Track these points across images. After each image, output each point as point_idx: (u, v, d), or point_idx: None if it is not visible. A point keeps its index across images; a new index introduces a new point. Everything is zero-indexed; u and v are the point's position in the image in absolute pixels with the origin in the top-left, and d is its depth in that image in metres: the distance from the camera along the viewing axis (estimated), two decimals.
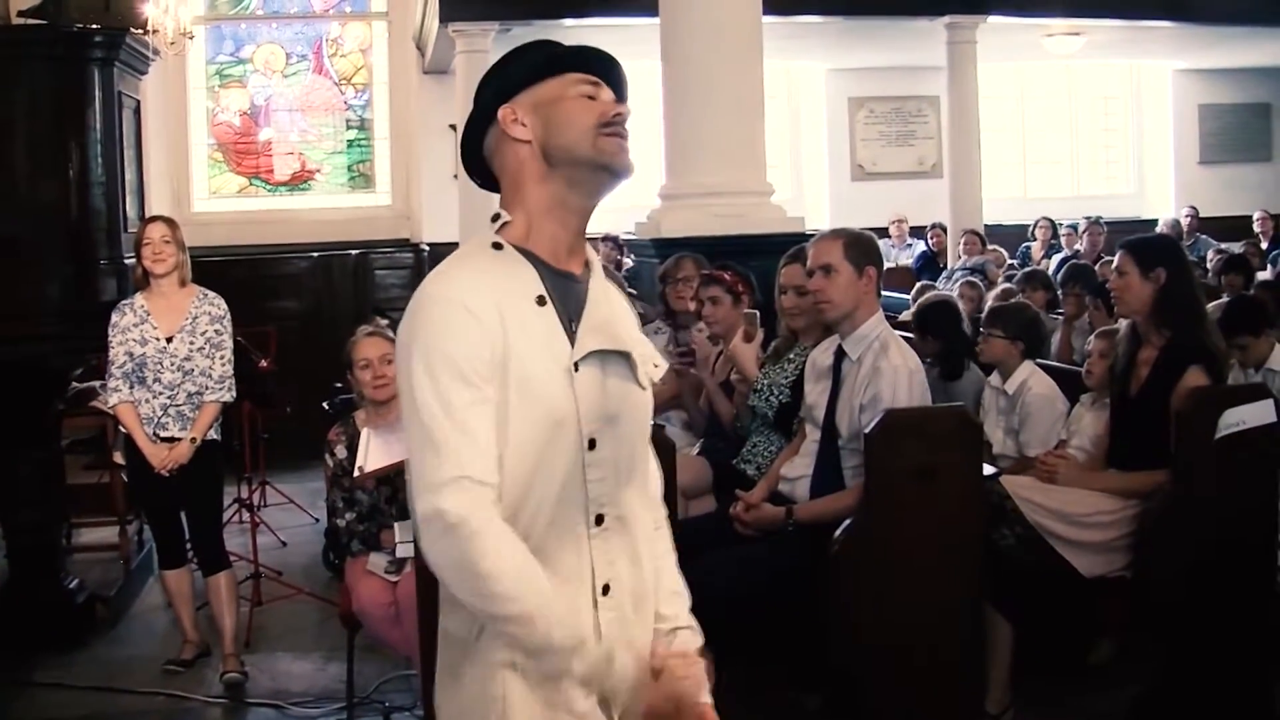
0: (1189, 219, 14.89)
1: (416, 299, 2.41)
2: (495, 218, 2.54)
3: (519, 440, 2.36)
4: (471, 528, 2.27)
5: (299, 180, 14.74)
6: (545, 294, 2.44)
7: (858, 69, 15.76)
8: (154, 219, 6.59)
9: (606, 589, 2.47)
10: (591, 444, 2.43)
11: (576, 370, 2.42)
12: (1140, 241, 5.34)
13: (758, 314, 5.93)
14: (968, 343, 6.73)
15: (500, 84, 2.54)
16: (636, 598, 2.53)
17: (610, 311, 2.55)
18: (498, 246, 2.48)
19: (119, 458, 7.60)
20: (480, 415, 2.32)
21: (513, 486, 2.37)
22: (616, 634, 2.46)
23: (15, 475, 7.03)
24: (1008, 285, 9.04)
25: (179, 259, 6.39)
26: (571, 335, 2.44)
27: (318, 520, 9.27)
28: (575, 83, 2.52)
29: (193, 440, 6.29)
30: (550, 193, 2.50)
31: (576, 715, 2.41)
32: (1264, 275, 10.58)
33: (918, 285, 10.19)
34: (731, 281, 6.09)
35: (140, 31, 7.62)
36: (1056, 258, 13.25)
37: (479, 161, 2.63)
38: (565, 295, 2.47)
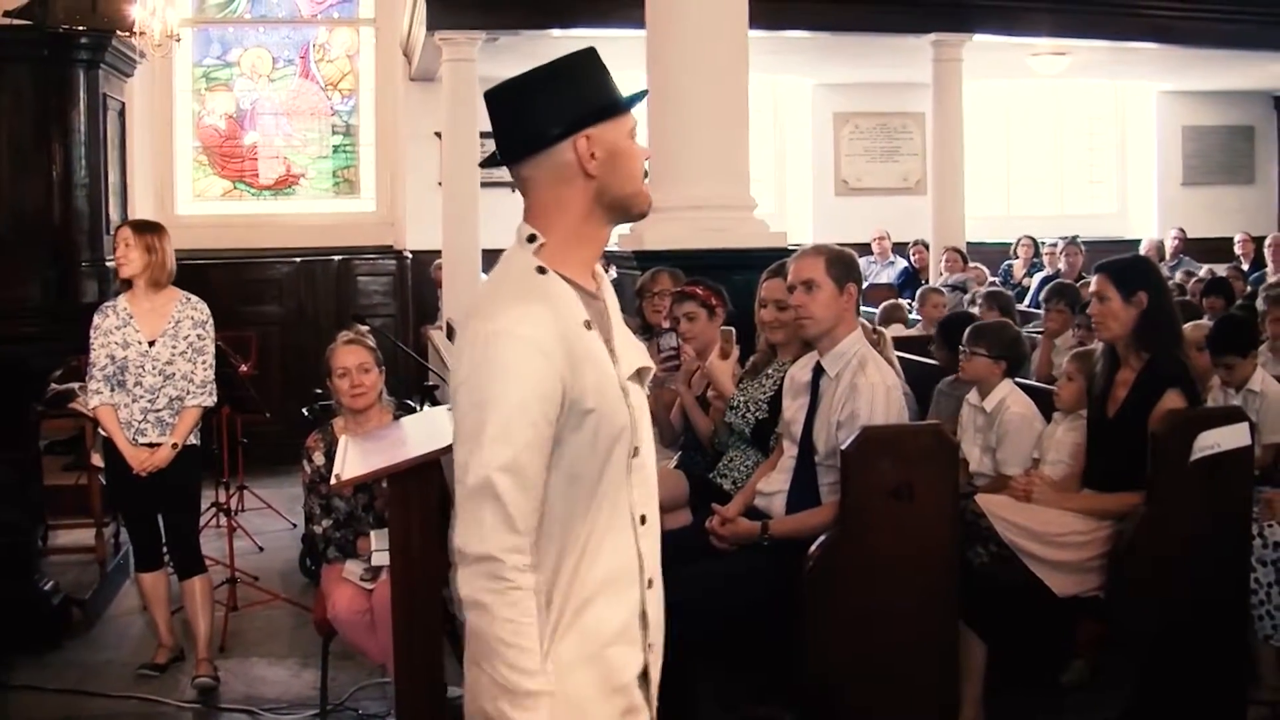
0: (1176, 240, 14.92)
1: (483, 334, 2.48)
2: (531, 238, 2.61)
3: (590, 454, 2.53)
4: (516, 593, 2.44)
5: (283, 185, 14.71)
6: (590, 318, 2.57)
7: (844, 84, 15.78)
8: (122, 224, 6.59)
9: (651, 582, 2.67)
10: (635, 451, 2.59)
11: (625, 387, 2.60)
12: (1119, 265, 5.33)
13: (734, 331, 5.93)
14: None
15: (583, 113, 2.59)
16: (659, 585, 2.73)
17: (624, 325, 2.73)
18: (542, 271, 2.57)
19: (97, 460, 7.58)
20: (541, 460, 2.48)
21: (585, 495, 2.54)
22: (655, 620, 2.68)
23: None
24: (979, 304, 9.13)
25: (146, 262, 6.35)
26: (611, 353, 2.60)
27: (295, 525, 9.27)
28: (630, 128, 2.65)
29: (174, 446, 6.28)
30: (591, 224, 2.64)
31: (635, 708, 2.66)
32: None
33: (885, 304, 10.25)
34: (705, 296, 6.09)
35: (127, 34, 7.61)
36: (1038, 276, 13.29)
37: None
38: (596, 315, 2.61)
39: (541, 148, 2.60)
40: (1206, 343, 6.41)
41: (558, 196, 2.61)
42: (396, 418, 5.82)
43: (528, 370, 2.44)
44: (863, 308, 5.23)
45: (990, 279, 12.68)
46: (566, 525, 2.53)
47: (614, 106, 2.62)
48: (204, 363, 6.41)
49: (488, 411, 2.44)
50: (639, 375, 2.69)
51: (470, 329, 2.52)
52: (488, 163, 2.75)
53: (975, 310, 9.22)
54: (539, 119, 2.59)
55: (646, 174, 2.68)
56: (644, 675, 2.67)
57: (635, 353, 2.71)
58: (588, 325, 2.55)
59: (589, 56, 2.66)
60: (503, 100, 2.65)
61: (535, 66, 2.64)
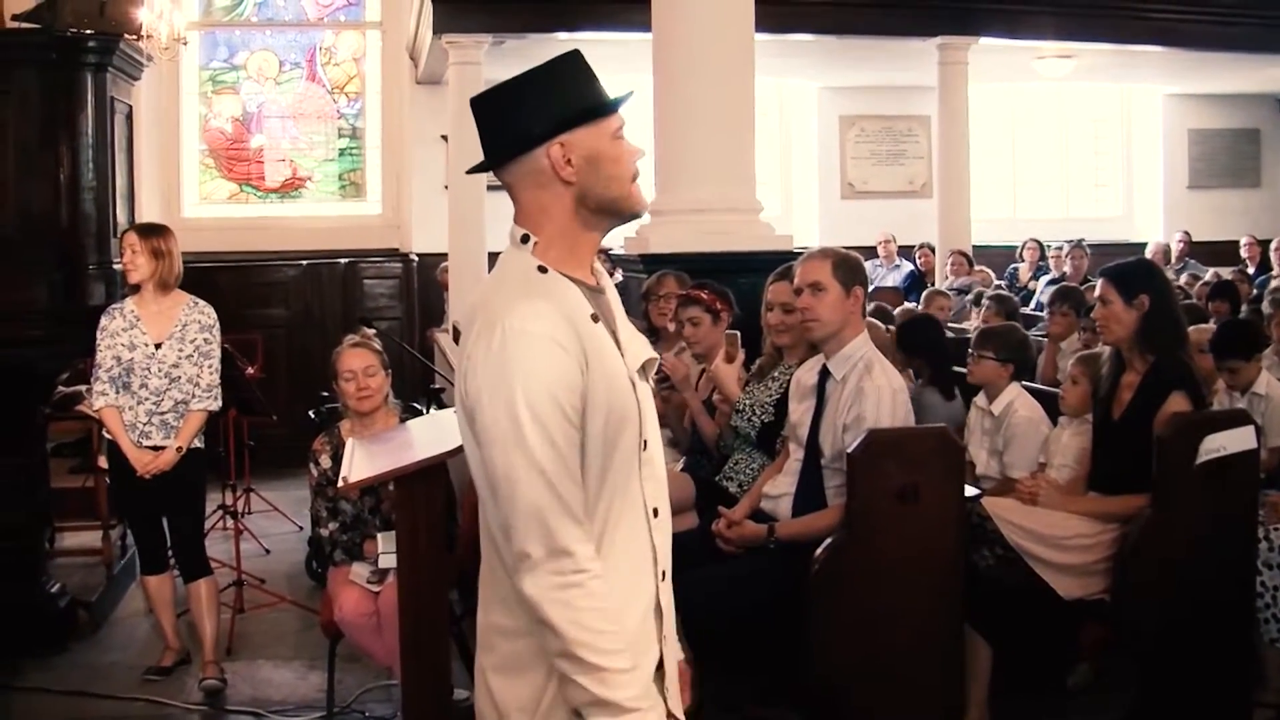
0: (1181, 244, 14.90)
1: (498, 335, 2.48)
2: (525, 239, 2.63)
3: (601, 447, 2.53)
4: (595, 582, 2.46)
5: (289, 188, 14.73)
6: (595, 312, 2.58)
7: (849, 87, 15.77)
8: (128, 229, 6.60)
9: (664, 575, 2.69)
10: (644, 445, 2.61)
11: (634, 379, 2.61)
12: (1121, 269, 5.35)
13: (739, 335, 5.94)
14: (952, 359, 6.76)
15: (557, 120, 2.58)
16: (670, 577, 2.74)
17: (627, 319, 2.74)
18: (543, 270, 2.59)
19: (103, 462, 7.59)
20: (577, 450, 2.50)
21: (596, 488, 2.54)
22: (669, 613, 2.70)
23: None
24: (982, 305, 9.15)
25: (154, 267, 6.36)
26: (618, 345, 2.62)
27: (301, 528, 9.28)
28: (615, 130, 2.64)
29: (179, 449, 6.29)
30: (580, 225, 2.63)
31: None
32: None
33: (899, 309, 10.23)
34: (709, 300, 6.09)
35: (134, 37, 7.63)
36: (1044, 279, 13.28)
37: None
38: (601, 309, 2.62)
39: (516, 155, 2.61)
40: (1210, 347, 6.41)
41: (539, 201, 2.62)
42: (403, 420, 5.83)
43: (550, 364, 2.45)
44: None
45: (996, 282, 12.66)
46: None
47: (588, 112, 2.60)
48: (210, 367, 6.42)
49: (520, 411, 2.44)
50: (645, 368, 2.70)
51: (481, 332, 2.52)
52: (475, 170, 2.75)
53: (977, 313, 9.24)
54: (512, 126, 2.60)
55: (637, 174, 2.67)
56: (659, 668, 2.67)
57: (641, 346, 2.72)
58: (594, 319, 2.57)
59: (568, 60, 2.65)
60: (482, 107, 2.66)
61: (519, 73, 2.64)
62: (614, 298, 2.73)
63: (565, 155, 2.57)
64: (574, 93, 2.61)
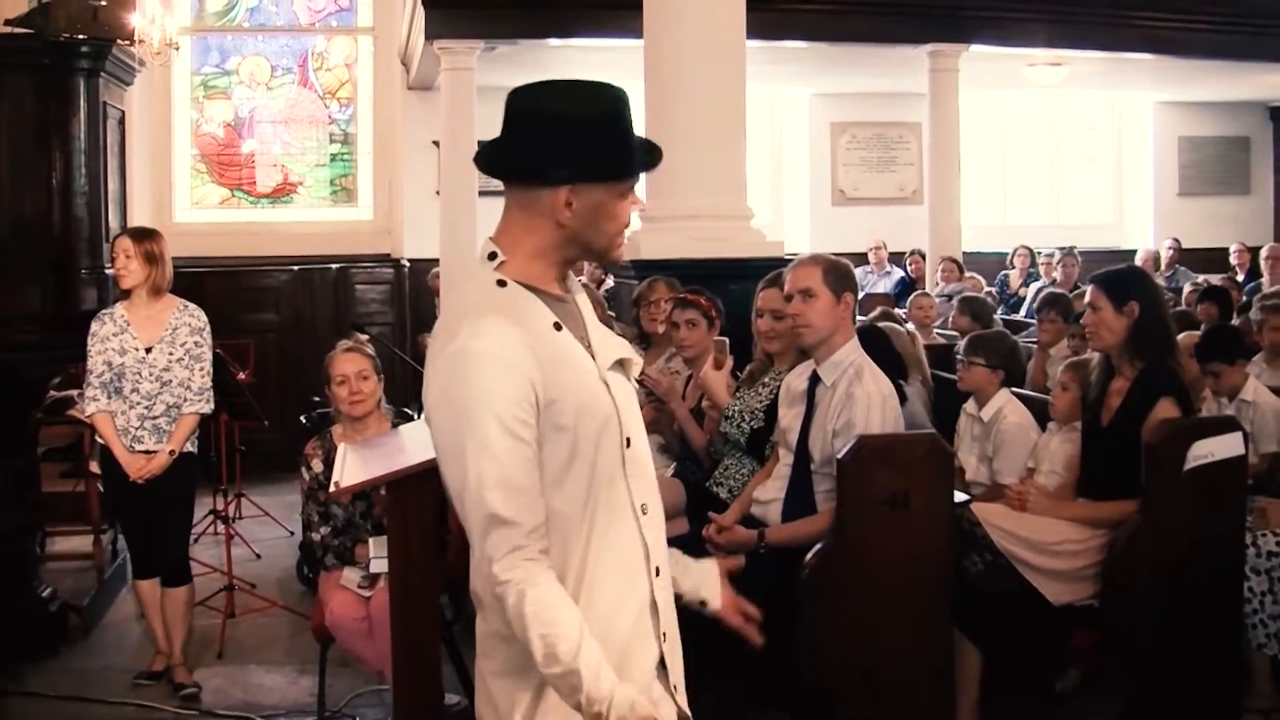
0: (1171, 251, 14.94)
1: (447, 356, 2.53)
2: (492, 256, 2.65)
3: (579, 449, 2.55)
4: (511, 592, 2.47)
5: (281, 193, 14.71)
6: (559, 320, 2.60)
7: (841, 94, 15.81)
8: (121, 233, 6.60)
9: (658, 571, 2.70)
10: (628, 442, 2.63)
11: (606, 379, 2.63)
12: (1111, 276, 5.38)
13: (727, 341, 5.95)
14: (902, 370, 6.74)
15: (577, 173, 2.59)
16: (667, 574, 2.77)
17: (599, 323, 2.77)
18: (502, 284, 2.61)
19: (95, 467, 7.59)
20: (529, 465, 2.51)
21: (581, 490, 2.57)
22: (666, 609, 2.72)
23: None
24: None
25: (148, 272, 6.35)
26: (588, 349, 2.65)
27: (292, 533, 9.28)
28: (626, 189, 2.69)
29: (171, 453, 6.29)
30: (557, 255, 2.67)
31: (654, 702, 2.62)
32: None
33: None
34: (706, 306, 6.13)
35: (127, 42, 7.62)
36: (1034, 286, 13.31)
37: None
38: (566, 317, 2.65)
39: (525, 183, 2.63)
40: (1194, 351, 6.43)
41: (527, 224, 2.64)
42: (395, 426, 5.84)
43: (495, 383, 2.48)
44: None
45: (986, 289, 12.69)
46: (568, 523, 2.56)
47: (611, 174, 2.63)
48: (201, 370, 6.41)
49: (465, 431, 2.48)
50: (621, 367, 2.72)
51: (435, 353, 2.58)
52: (480, 165, 2.74)
53: (950, 315, 9.26)
54: (533, 154, 2.60)
55: (627, 225, 2.72)
56: (661, 665, 2.69)
57: (614, 346, 2.74)
58: (557, 326, 2.60)
59: (614, 107, 2.64)
60: (519, 114, 2.64)
61: (565, 89, 2.64)
62: (583, 302, 2.76)
63: (569, 201, 2.59)
64: (606, 149, 2.62)
